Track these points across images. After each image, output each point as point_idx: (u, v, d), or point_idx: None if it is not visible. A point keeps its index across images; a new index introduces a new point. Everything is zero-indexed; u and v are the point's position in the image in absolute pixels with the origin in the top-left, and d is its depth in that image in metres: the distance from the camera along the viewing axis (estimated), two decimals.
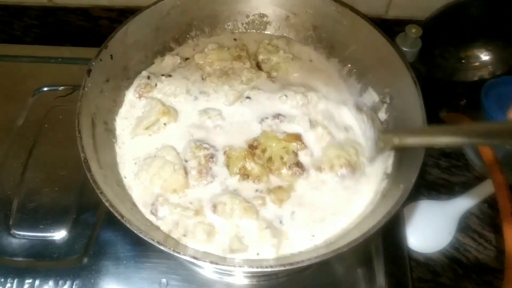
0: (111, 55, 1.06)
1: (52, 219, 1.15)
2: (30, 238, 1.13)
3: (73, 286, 1.06)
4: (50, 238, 1.13)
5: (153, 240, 0.83)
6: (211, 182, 1.01)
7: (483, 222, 1.26)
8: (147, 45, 1.17)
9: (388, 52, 1.08)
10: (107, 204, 0.86)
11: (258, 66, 1.21)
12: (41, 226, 1.14)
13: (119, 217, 0.85)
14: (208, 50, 1.20)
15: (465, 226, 1.25)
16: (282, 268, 0.83)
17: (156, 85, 1.14)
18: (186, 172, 1.01)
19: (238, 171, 1.01)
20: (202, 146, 1.03)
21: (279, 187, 0.99)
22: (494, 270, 1.18)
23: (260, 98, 1.13)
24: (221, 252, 0.93)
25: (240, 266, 0.83)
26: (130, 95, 1.14)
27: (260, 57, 1.20)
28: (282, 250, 0.94)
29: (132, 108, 1.13)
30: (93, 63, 1.02)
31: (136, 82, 1.15)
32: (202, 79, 1.17)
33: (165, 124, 1.09)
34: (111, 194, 0.90)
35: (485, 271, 1.19)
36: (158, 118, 1.08)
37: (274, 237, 0.92)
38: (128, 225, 0.85)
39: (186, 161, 1.02)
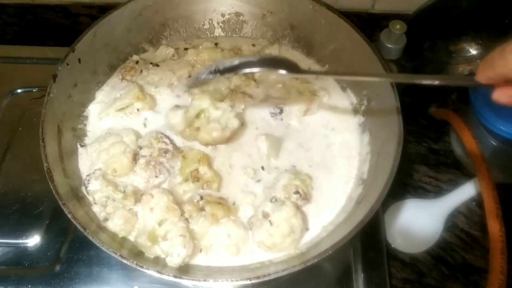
0: (79, 59, 1.04)
1: (25, 225, 1.13)
2: (2, 245, 1.11)
3: None
4: (22, 244, 1.11)
5: (121, 256, 0.82)
6: (155, 176, 0.99)
7: (471, 221, 1.24)
8: (119, 47, 1.15)
9: (365, 52, 1.05)
10: (69, 216, 0.85)
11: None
12: (14, 233, 1.12)
13: (81, 230, 0.84)
14: (202, 47, 1.19)
15: (452, 225, 1.23)
16: (248, 282, 0.81)
17: (141, 71, 1.15)
18: (135, 159, 1.00)
19: (190, 173, 0.99)
20: (162, 140, 1.02)
21: (219, 202, 0.97)
22: (480, 270, 1.16)
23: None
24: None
25: (201, 280, 0.82)
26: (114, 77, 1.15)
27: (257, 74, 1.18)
28: (193, 261, 0.93)
29: (112, 89, 1.14)
30: (59, 68, 1.00)
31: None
32: (189, 76, 1.16)
33: (138, 109, 1.09)
34: (75, 204, 0.89)
35: (471, 271, 1.17)
36: (132, 102, 1.08)
37: (184, 247, 0.89)
38: (90, 238, 0.83)
39: (141, 148, 1.02)
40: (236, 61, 0.86)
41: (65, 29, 1.57)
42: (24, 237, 1.12)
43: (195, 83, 0.99)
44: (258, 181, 1.04)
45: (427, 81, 0.82)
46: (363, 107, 1.09)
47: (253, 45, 1.25)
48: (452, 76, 0.71)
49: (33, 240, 1.11)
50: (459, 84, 0.88)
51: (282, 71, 0.84)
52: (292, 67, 0.85)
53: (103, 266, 1.08)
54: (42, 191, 1.16)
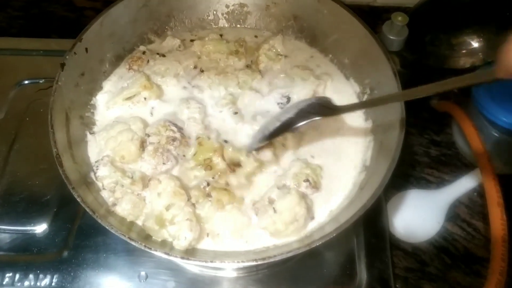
0: (86, 48, 1.06)
1: (33, 213, 1.15)
2: (11, 232, 1.13)
3: (53, 280, 1.06)
4: (31, 231, 1.13)
5: (130, 238, 0.83)
6: (163, 163, 1.01)
7: (472, 211, 1.25)
8: (124, 38, 1.16)
9: (368, 42, 1.06)
10: (78, 199, 0.86)
11: (255, 64, 1.20)
12: (22, 220, 1.14)
13: (90, 213, 0.85)
14: (208, 39, 1.20)
15: (454, 215, 1.24)
16: (253, 263, 0.83)
17: (148, 61, 1.16)
18: (143, 146, 1.02)
19: (203, 160, 1.00)
20: (170, 128, 1.04)
21: (225, 189, 0.98)
22: (482, 260, 1.17)
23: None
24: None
25: (208, 261, 0.83)
26: (122, 67, 1.17)
27: (262, 65, 1.19)
28: (199, 245, 0.94)
29: (120, 79, 1.15)
30: (67, 57, 1.01)
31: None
32: (195, 67, 1.18)
33: (145, 98, 1.10)
34: (85, 190, 0.90)
35: (473, 261, 1.18)
36: (139, 91, 1.10)
37: (191, 231, 0.90)
38: (99, 221, 0.85)
39: (149, 135, 1.03)
40: (277, 123, 0.92)
41: (70, 23, 1.59)
42: (32, 224, 1.13)
43: (251, 150, 1.01)
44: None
45: (450, 86, 0.82)
46: (366, 96, 1.11)
47: (256, 36, 1.26)
48: (471, 74, 0.69)
49: (41, 227, 1.13)
50: (480, 82, 0.87)
51: (318, 118, 0.90)
52: (329, 109, 0.91)
53: (110, 252, 1.10)
54: (49, 180, 1.19)
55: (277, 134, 0.94)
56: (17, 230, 1.13)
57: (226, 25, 1.28)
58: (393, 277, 1.10)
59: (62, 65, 1.00)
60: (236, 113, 1.09)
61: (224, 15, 1.26)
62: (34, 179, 1.19)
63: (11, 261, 1.09)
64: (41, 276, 1.07)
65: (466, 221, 1.24)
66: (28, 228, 1.13)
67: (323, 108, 0.91)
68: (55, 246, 1.11)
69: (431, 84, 0.81)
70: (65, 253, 1.10)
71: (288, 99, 1.12)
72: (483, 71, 0.92)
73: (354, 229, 1.12)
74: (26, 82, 1.36)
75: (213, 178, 1.00)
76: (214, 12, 1.26)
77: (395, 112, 0.96)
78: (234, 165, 1.00)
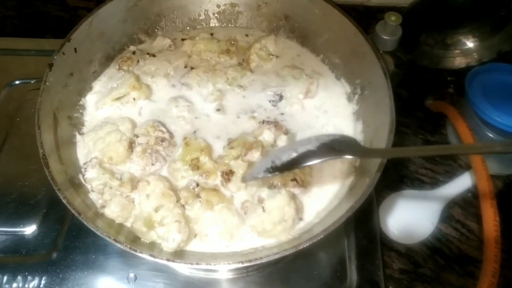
0: (75, 48, 1.05)
1: (22, 214, 1.14)
2: (0, 233, 1.12)
3: (42, 281, 1.06)
4: (20, 233, 1.12)
5: (116, 241, 0.83)
6: (152, 164, 1.01)
7: (467, 212, 1.24)
8: (114, 38, 1.16)
9: (359, 42, 1.06)
10: (64, 201, 0.86)
11: (246, 62, 1.20)
12: (11, 221, 1.13)
13: (77, 215, 0.85)
14: (198, 38, 1.20)
15: (448, 216, 1.23)
16: (240, 265, 0.82)
17: (138, 61, 1.16)
18: (131, 147, 1.01)
19: (190, 160, 1.00)
20: (158, 128, 1.04)
21: (214, 189, 0.98)
22: (476, 261, 1.16)
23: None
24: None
25: (194, 263, 0.83)
26: (112, 67, 1.16)
27: (253, 64, 1.19)
28: (188, 247, 0.94)
29: (110, 79, 1.15)
30: (55, 57, 1.01)
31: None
32: (185, 66, 1.17)
33: (134, 99, 1.10)
34: (72, 192, 0.90)
35: (467, 262, 1.17)
36: (128, 92, 1.09)
37: (179, 232, 0.90)
38: (86, 223, 0.84)
39: (137, 136, 1.03)
40: (293, 154, 0.81)
41: (64, 22, 1.59)
42: (21, 225, 1.13)
43: (250, 179, 0.93)
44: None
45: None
46: (356, 96, 1.10)
47: (246, 35, 1.25)
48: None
49: (30, 228, 1.13)
50: None
51: (348, 157, 0.81)
52: (357, 149, 0.82)
53: (100, 253, 1.09)
54: (39, 181, 1.18)
55: (290, 167, 0.82)
56: (6, 231, 1.13)
57: (217, 25, 1.27)
58: (383, 279, 1.09)
59: (50, 66, 0.99)
60: (218, 109, 1.10)
61: (216, 15, 1.26)
62: (24, 180, 1.19)
63: (0, 263, 1.08)
64: (29, 277, 1.06)
65: (460, 222, 1.23)
66: (18, 229, 1.13)
67: (349, 147, 0.81)
68: (44, 247, 1.10)
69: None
70: (54, 255, 1.09)
71: (281, 97, 1.12)
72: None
73: (345, 231, 1.12)
74: (17, 82, 1.36)
75: (201, 176, 0.99)
76: (205, 12, 1.25)
77: (385, 113, 0.96)
78: (228, 174, 0.99)
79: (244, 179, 0.95)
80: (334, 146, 0.81)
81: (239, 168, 0.98)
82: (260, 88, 1.14)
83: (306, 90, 1.12)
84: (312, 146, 0.81)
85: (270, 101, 1.12)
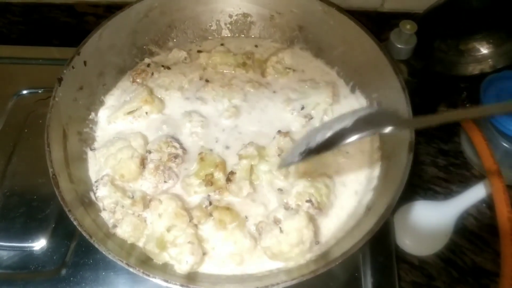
0: (85, 62, 1.03)
1: (31, 229, 1.12)
2: (8, 248, 1.10)
3: None
4: (28, 248, 1.10)
5: (128, 265, 0.82)
6: (164, 181, 0.99)
7: (481, 223, 1.22)
8: (124, 50, 1.14)
9: (376, 55, 1.04)
10: (75, 223, 0.84)
11: (262, 76, 1.18)
12: (20, 236, 1.11)
13: (87, 237, 0.83)
14: (214, 51, 1.19)
15: (462, 227, 1.21)
16: None
17: (152, 74, 1.14)
18: (143, 163, 1.00)
19: (204, 176, 0.98)
20: (171, 144, 1.02)
21: (227, 208, 0.96)
22: (491, 274, 1.14)
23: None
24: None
25: None
26: (125, 80, 1.15)
27: (269, 78, 1.17)
28: (201, 269, 0.92)
29: (123, 92, 1.13)
30: (64, 71, 0.99)
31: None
32: (200, 79, 1.16)
33: (147, 113, 1.09)
34: (82, 212, 0.88)
35: (482, 275, 1.15)
36: (140, 106, 1.08)
37: (193, 254, 0.88)
38: (97, 246, 0.82)
39: (150, 152, 1.01)
40: (328, 133, 0.74)
41: (71, 28, 1.57)
42: (30, 241, 1.11)
43: (285, 165, 0.92)
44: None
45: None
46: None
47: (256, 46, 1.24)
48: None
49: (39, 244, 1.10)
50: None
51: (389, 128, 0.73)
52: (396, 121, 0.75)
53: (110, 270, 1.07)
54: (48, 194, 1.15)
55: (326, 148, 0.75)
56: (15, 246, 1.10)
57: (229, 35, 1.25)
58: None
59: (60, 80, 0.97)
60: (236, 125, 1.08)
61: (227, 25, 1.24)
62: (33, 193, 1.17)
63: (9, 279, 1.07)
64: None
65: (474, 234, 1.21)
66: (26, 244, 1.10)
67: (387, 119, 0.74)
68: (53, 263, 1.08)
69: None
70: (63, 271, 1.07)
71: (302, 107, 1.10)
72: None
73: (360, 247, 1.10)
74: (25, 92, 1.33)
75: (214, 192, 0.98)
76: (217, 22, 1.23)
77: (404, 131, 0.93)
78: (229, 175, 0.98)
79: (280, 165, 0.94)
80: (370, 120, 0.74)
81: (241, 170, 0.98)
82: (280, 102, 1.12)
83: (332, 93, 1.10)
84: (348, 123, 0.74)
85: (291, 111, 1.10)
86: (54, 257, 1.09)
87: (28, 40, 1.57)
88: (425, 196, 1.27)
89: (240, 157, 1.01)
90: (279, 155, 1.00)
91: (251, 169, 1.00)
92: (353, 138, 0.73)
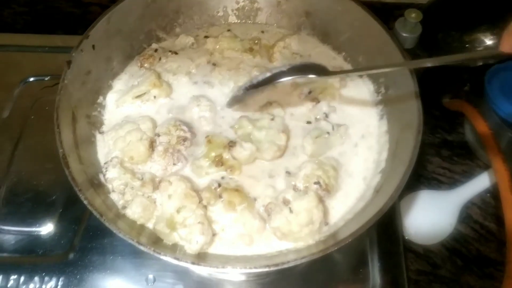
0: (93, 45, 1.03)
1: (38, 213, 1.13)
2: (16, 233, 1.11)
3: (59, 282, 1.05)
4: (36, 233, 1.11)
5: (139, 243, 0.81)
6: (173, 164, 0.99)
7: (485, 212, 1.23)
8: (132, 35, 1.13)
9: (383, 39, 1.03)
10: (85, 202, 0.84)
11: (269, 61, 1.19)
12: (27, 221, 1.12)
13: (98, 216, 0.83)
14: (221, 36, 1.19)
15: (466, 216, 1.22)
16: (266, 269, 0.81)
17: (160, 59, 1.15)
18: (152, 146, 1.00)
19: (213, 157, 0.99)
20: (180, 127, 1.01)
21: (236, 189, 0.96)
22: (496, 262, 1.15)
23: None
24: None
25: (219, 267, 0.81)
26: (133, 65, 1.16)
27: (276, 63, 1.17)
28: (210, 249, 0.92)
29: (131, 77, 1.13)
30: (73, 54, 0.98)
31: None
32: (207, 62, 1.16)
33: (155, 97, 1.08)
34: (92, 193, 0.88)
35: (486, 263, 1.16)
36: (149, 89, 1.08)
37: (203, 234, 0.88)
38: (107, 225, 0.82)
39: (159, 135, 1.01)
40: (267, 74, 0.92)
41: (75, 19, 1.57)
42: (37, 225, 1.11)
43: (233, 102, 1.02)
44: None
45: (451, 60, 0.83)
46: (380, 95, 1.08)
47: (262, 31, 1.24)
48: (474, 52, 0.71)
49: (47, 228, 1.11)
50: (483, 57, 0.87)
51: (312, 76, 0.91)
52: (321, 71, 0.92)
53: (117, 254, 1.08)
54: (55, 180, 1.17)
55: (265, 83, 0.93)
56: (22, 231, 1.11)
57: (236, 22, 1.25)
58: (407, 282, 1.07)
59: (69, 63, 0.97)
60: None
61: (234, 11, 1.24)
62: (40, 178, 1.18)
63: (16, 263, 1.07)
64: (46, 278, 1.05)
65: (479, 223, 1.22)
66: (33, 229, 1.11)
67: (316, 69, 0.92)
68: (60, 247, 1.09)
69: (438, 57, 0.82)
70: (71, 255, 1.08)
71: (310, 92, 1.10)
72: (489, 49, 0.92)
73: (367, 233, 1.09)
74: (31, 79, 1.34)
75: (225, 172, 0.99)
76: (224, 8, 1.23)
77: (412, 113, 0.94)
78: (230, 144, 1.00)
79: (228, 104, 1.04)
80: (303, 69, 0.92)
81: (240, 136, 1.01)
82: (287, 87, 1.11)
83: (339, 78, 1.10)
84: (284, 68, 0.92)
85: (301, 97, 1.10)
86: (62, 242, 1.10)
87: (32, 30, 1.57)
88: (429, 185, 1.27)
89: (235, 129, 1.03)
90: (271, 119, 1.02)
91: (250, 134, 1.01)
92: (285, 79, 0.91)
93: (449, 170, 1.30)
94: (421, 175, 1.28)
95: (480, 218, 1.22)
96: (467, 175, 1.28)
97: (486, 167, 1.25)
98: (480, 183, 1.23)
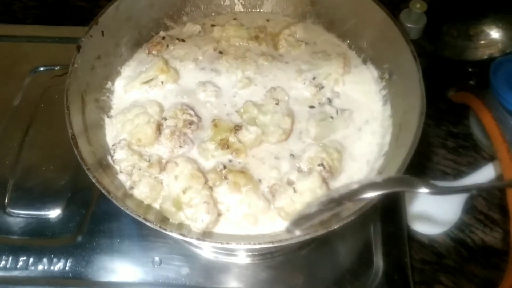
0: (102, 32, 1.05)
1: (47, 198, 1.15)
2: (25, 216, 1.13)
3: (67, 264, 1.06)
4: (45, 216, 1.13)
5: (146, 219, 0.82)
6: (180, 146, 1.00)
7: (490, 203, 1.24)
8: (141, 22, 1.15)
9: (388, 26, 1.05)
10: (94, 180, 0.85)
11: (275, 48, 1.20)
12: (36, 205, 1.14)
13: (106, 194, 0.84)
14: (227, 24, 1.20)
15: (471, 207, 1.23)
16: (270, 245, 0.81)
17: (167, 46, 1.17)
18: (159, 129, 1.01)
19: (219, 140, 1.00)
20: (187, 111, 1.03)
21: (241, 171, 0.97)
22: (500, 252, 1.15)
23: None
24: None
25: (224, 243, 0.82)
26: (141, 52, 1.17)
27: (281, 50, 1.19)
28: (215, 229, 0.93)
29: (139, 64, 1.15)
30: (83, 39, 1.01)
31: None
32: (214, 50, 1.18)
33: (162, 82, 1.10)
34: (101, 173, 0.89)
35: (491, 253, 1.16)
36: (156, 75, 1.09)
37: (208, 213, 0.89)
38: (115, 202, 0.84)
39: (166, 119, 1.03)
40: (354, 185, 0.77)
41: (85, 13, 1.59)
42: (46, 209, 1.13)
43: (303, 221, 0.84)
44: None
45: None
46: (384, 81, 1.09)
47: (268, 20, 1.25)
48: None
49: (55, 212, 1.13)
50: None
51: (424, 190, 0.77)
52: (429, 185, 0.78)
53: (124, 238, 1.09)
54: (63, 166, 1.19)
55: (350, 198, 0.79)
56: (32, 214, 1.13)
57: (242, 10, 1.27)
58: (410, 266, 1.08)
59: (78, 47, 0.99)
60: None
61: (240, 0, 1.25)
62: (49, 165, 1.19)
63: (25, 245, 1.09)
64: (55, 260, 1.06)
65: (483, 213, 1.23)
66: (42, 212, 1.13)
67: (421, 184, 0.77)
68: (69, 231, 1.10)
69: None
70: (79, 238, 1.09)
71: (314, 77, 1.11)
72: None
73: (370, 217, 1.11)
74: (42, 69, 1.36)
75: (231, 155, 1.00)
76: None
77: (415, 97, 0.94)
78: (236, 128, 1.01)
79: (294, 223, 0.85)
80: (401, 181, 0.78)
81: (246, 120, 1.02)
82: (292, 73, 1.13)
83: (343, 64, 1.11)
84: (377, 179, 0.77)
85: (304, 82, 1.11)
86: (70, 225, 1.12)
87: (42, 24, 1.58)
88: (435, 177, 1.28)
89: (241, 113, 1.05)
90: (276, 103, 1.03)
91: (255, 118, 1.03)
92: (380, 192, 0.76)
93: (454, 162, 1.31)
94: (426, 167, 1.29)
95: (485, 209, 1.23)
96: (472, 166, 1.28)
97: (491, 158, 1.26)
98: (485, 174, 1.24)
